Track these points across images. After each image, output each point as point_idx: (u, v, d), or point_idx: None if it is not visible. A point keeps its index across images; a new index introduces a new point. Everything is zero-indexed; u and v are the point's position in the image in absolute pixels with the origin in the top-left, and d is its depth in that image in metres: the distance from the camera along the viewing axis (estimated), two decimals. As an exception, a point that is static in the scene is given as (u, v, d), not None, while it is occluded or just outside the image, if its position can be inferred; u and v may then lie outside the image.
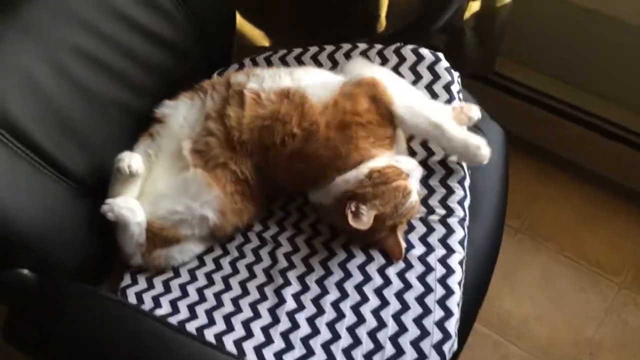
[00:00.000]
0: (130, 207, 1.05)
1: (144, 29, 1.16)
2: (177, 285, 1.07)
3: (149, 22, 1.17)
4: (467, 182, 1.09)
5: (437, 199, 1.07)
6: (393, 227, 1.01)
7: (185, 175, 1.07)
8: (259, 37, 1.71)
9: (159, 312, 1.02)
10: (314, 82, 1.10)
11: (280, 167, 1.07)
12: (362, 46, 1.22)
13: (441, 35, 1.47)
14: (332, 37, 1.35)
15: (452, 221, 1.04)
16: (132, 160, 1.04)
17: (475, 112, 1.11)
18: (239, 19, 1.67)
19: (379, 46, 1.22)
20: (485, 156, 1.06)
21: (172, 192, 1.08)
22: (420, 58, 1.18)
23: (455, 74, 1.17)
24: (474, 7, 1.48)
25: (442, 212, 1.06)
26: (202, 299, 1.04)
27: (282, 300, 1.00)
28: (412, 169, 1.04)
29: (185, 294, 1.06)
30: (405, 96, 1.07)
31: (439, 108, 1.09)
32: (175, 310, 1.02)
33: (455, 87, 1.16)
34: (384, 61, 1.19)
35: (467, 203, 1.07)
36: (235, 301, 1.02)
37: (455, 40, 1.53)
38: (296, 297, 1.00)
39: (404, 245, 1.01)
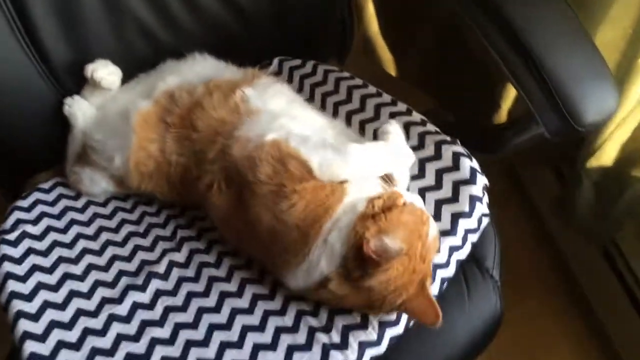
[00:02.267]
0: (83, 111, 1.02)
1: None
2: (70, 218, 0.99)
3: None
4: None
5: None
6: (422, 280, 0.78)
7: (126, 109, 0.98)
8: (387, 61, 1.52)
9: (28, 229, 0.96)
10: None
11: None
12: (401, 107, 1.00)
13: (546, 166, 1.14)
14: (451, 102, 1.13)
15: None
16: (106, 72, 1.00)
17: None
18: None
19: (418, 117, 0.99)
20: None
21: (107, 118, 1.00)
22: (455, 167, 0.92)
23: (480, 209, 0.89)
24: (604, 159, 1.11)
25: None
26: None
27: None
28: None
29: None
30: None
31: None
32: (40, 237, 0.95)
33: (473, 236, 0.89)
34: (411, 141, 0.95)
35: None
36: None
37: (567, 185, 1.18)
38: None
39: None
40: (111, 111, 1.01)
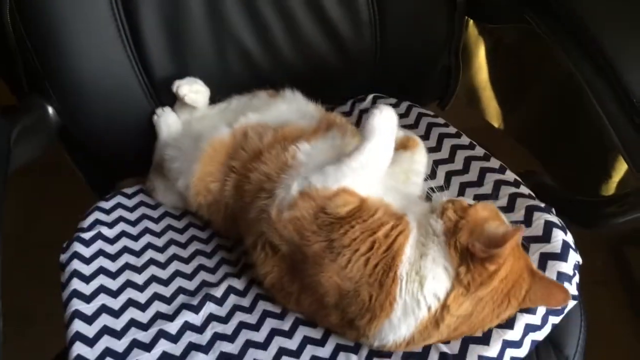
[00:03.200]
0: (169, 123, 1.05)
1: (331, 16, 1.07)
2: (144, 226, 1.01)
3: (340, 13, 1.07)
4: None
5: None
6: (528, 265, 0.76)
7: (201, 134, 0.98)
8: (492, 112, 1.43)
9: (104, 230, 0.98)
10: None
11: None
12: (494, 163, 0.93)
13: None
14: (555, 166, 1.05)
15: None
16: (191, 90, 1.03)
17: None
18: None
19: (511, 177, 0.92)
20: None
21: (184, 137, 1.02)
22: (545, 238, 0.82)
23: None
24: None
25: (453, 350, 0.78)
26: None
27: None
28: None
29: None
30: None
31: None
32: (112, 241, 0.97)
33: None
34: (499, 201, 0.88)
35: None
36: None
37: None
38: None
39: None
40: (191, 130, 1.03)
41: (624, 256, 1.28)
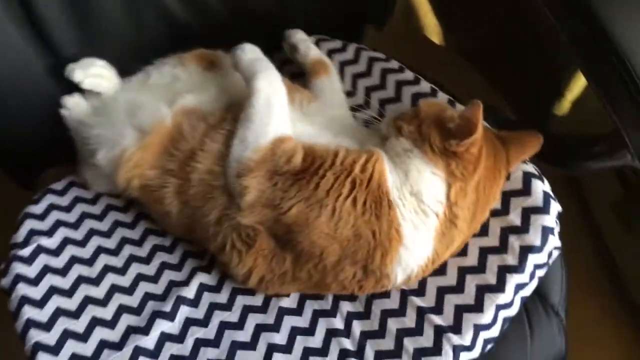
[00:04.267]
0: (79, 112, 0.92)
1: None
2: (88, 227, 0.90)
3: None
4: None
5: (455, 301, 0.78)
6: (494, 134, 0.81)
7: (136, 105, 0.85)
8: (431, 28, 1.35)
9: (43, 241, 0.86)
10: None
11: None
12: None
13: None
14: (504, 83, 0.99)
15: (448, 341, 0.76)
16: (87, 74, 0.89)
17: None
18: None
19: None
20: None
21: (103, 109, 0.89)
22: (525, 191, 0.80)
23: (552, 243, 0.78)
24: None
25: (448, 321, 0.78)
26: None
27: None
28: None
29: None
30: None
31: None
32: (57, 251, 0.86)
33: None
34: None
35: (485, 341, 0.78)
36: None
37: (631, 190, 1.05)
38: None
39: None
40: (112, 104, 0.89)
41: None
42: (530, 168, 0.82)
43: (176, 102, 0.85)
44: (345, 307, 0.82)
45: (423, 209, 0.75)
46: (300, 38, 1.00)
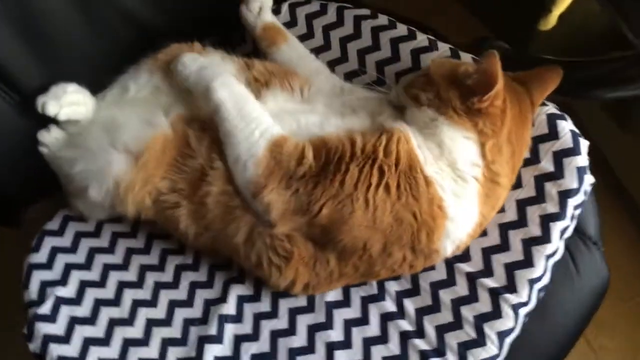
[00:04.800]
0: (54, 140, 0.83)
1: None
2: (101, 263, 0.83)
3: None
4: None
5: (504, 260, 0.77)
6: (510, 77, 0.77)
7: (114, 122, 0.78)
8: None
9: (60, 292, 0.80)
10: None
11: None
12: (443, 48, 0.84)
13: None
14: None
15: (506, 302, 0.75)
16: (62, 105, 0.79)
17: None
18: None
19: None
20: None
21: (80, 138, 0.80)
22: (553, 134, 0.77)
23: (587, 181, 0.77)
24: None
25: (501, 282, 0.76)
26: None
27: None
28: None
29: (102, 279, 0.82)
30: None
31: None
32: (78, 299, 0.80)
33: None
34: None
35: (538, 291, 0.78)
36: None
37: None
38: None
39: None
40: (90, 129, 0.80)
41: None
42: (552, 108, 0.79)
43: (170, 112, 0.77)
44: (392, 287, 0.80)
45: (461, 176, 0.71)
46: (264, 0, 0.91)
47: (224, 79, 0.75)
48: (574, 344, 0.84)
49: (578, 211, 0.79)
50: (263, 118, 0.74)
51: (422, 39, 0.86)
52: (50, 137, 0.81)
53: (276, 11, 0.94)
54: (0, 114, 0.77)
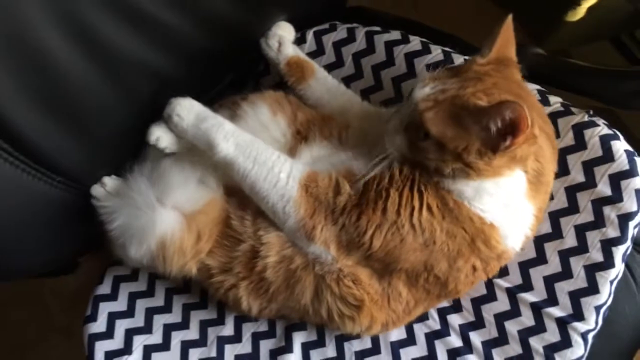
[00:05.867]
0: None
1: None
2: (161, 324, 0.82)
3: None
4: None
5: (568, 288, 0.77)
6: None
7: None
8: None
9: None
10: None
11: None
12: None
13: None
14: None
15: (575, 330, 0.75)
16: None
17: None
18: None
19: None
20: None
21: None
22: (608, 157, 0.76)
23: None
24: None
25: (567, 310, 0.76)
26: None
27: None
28: None
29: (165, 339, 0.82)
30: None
31: None
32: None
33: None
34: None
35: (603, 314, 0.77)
36: None
37: None
38: None
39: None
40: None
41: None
42: (604, 129, 0.77)
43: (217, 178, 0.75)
44: (455, 320, 0.80)
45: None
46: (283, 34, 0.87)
47: (225, 131, 0.71)
48: (634, 354, 0.85)
49: (637, 229, 0.78)
50: (282, 158, 0.71)
51: (460, 62, 0.83)
52: (101, 190, 0.78)
53: (301, 39, 0.91)
54: (43, 195, 0.74)
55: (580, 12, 1.05)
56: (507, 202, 0.68)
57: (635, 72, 0.86)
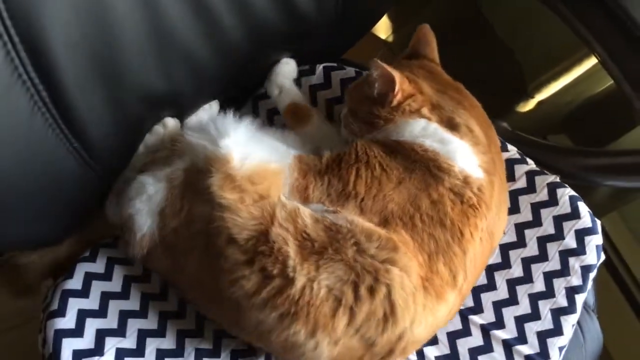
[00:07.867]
0: None
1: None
2: (135, 328, 0.78)
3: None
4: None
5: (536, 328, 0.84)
6: None
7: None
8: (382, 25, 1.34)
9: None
10: None
11: None
12: None
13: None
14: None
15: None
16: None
17: None
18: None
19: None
20: None
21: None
22: (575, 215, 0.87)
23: (602, 257, 0.88)
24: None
25: (535, 349, 0.83)
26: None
27: None
28: None
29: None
30: None
31: None
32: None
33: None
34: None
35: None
36: None
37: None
38: None
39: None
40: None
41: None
42: (571, 191, 0.88)
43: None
44: (431, 352, 0.84)
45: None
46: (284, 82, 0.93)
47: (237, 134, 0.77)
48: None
49: (591, 282, 0.89)
50: (273, 145, 0.80)
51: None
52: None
53: (311, 71, 0.96)
54: (65, 166, 0.70)
55: (531, 104, 1.21)
56: (428, 135, 0.77)
57: (597, 151, 1.01)
